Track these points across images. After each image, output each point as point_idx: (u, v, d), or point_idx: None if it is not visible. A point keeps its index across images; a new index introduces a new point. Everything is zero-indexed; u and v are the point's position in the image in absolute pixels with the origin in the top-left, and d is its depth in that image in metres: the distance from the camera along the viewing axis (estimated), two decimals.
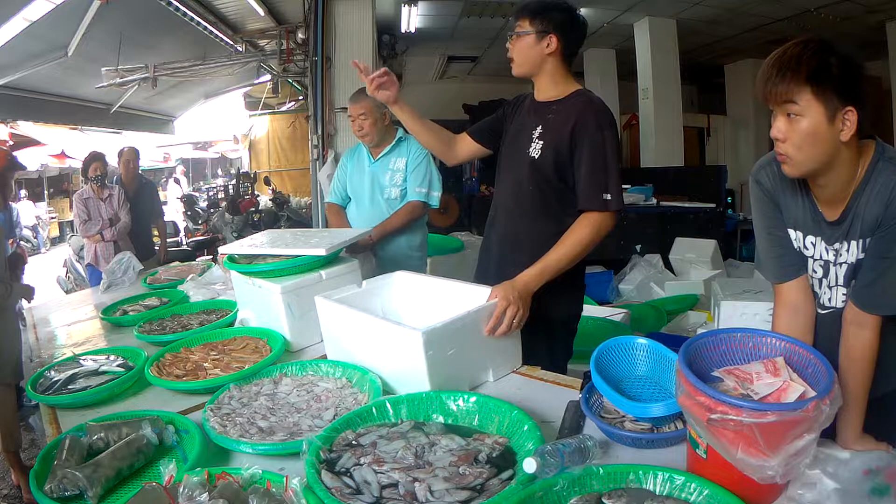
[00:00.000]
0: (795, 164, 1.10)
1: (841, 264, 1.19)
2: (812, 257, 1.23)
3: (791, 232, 1.25)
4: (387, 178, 2.67)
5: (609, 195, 1.67)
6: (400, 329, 1.41)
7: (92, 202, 4.35)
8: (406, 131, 2.46)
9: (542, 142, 1.78)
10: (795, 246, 1.25)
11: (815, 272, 1.24)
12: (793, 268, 1.25)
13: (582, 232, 1.68)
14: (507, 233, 1.89)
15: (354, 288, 1.76)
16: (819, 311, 1.26)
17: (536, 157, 1.78)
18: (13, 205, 5.03)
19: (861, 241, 1.15)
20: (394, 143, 2.69)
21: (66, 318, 2.57)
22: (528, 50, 1.77)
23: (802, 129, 1.06)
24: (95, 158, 4.46)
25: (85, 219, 4.33)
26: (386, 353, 1.46)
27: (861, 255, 1.15)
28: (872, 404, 1.16)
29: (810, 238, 1.22)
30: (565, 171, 1.74)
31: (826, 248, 1.20)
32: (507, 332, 1.51)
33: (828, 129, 1.05)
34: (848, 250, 1.17)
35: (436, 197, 2.66)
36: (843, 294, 1.21)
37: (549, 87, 1.82)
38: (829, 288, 1.23)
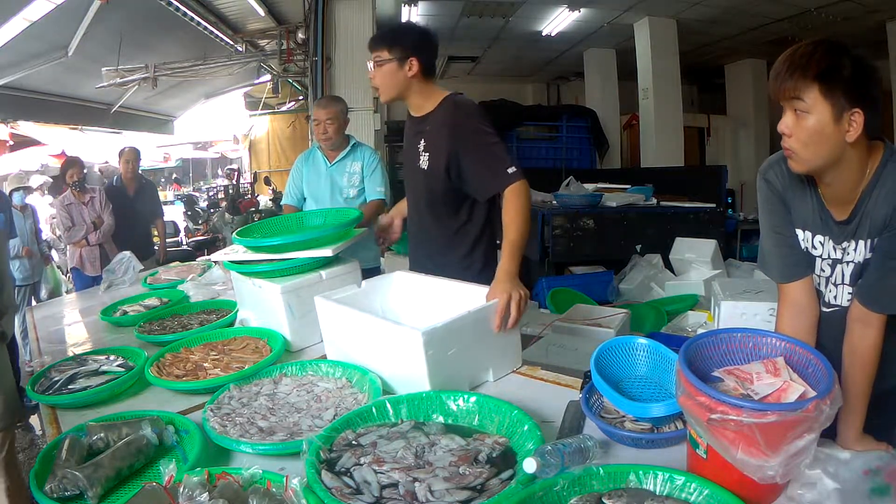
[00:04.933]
0: (800, 160, 1.11)
1: (848, 263, 1.19)
2: (820, 256, 1.23)
3: (799, 232, 1.25)
4: (345, 180, 2.99)
5: (511, 168, 1.78)
6: (400, 329, 1.41)
7: (74, 208, 4.32)
8: (358, 140, 3.04)
9: (427, 153, 1.93)
10: (803, 246, 1.25)
11: (823, 271, 1.24)
12: (798, 267, 1.26)
13: (515, 206, 1.76)
14: (419, 233, 2.09)
15: (354, 288, 1.76)
16: (824, 309, 1.26)
17: (426, 167, 1.93)
18: (32, 205, 5.01)
19: (869, 241, 1.15)
20: (349, 148, 3.01)
21: (66, 318, 2.57)
22: (392, 77, 1.88)
23: (808, 126, 1.07)
24: (72, 164, 4.43)
25: (69, 225, 4.30)
26: (386, 353, 1.46)
27: (868, 255, 1.16)
28: (872, 402, 1.16)
29: (818, 237, 1.22)
30: (453, 173, 1.87)
31: (834, 247, 1.20)
32: (518, 318, 1.55)
33: (833, 129, 1.06)
34: (856, 249, 1.17)
35: (389, 194, 3.06)
36: (849, 293, 1.21)
37: (422, 103, 1.95)
38: (835, 286, 1.23)
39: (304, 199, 3.07)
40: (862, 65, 1.05)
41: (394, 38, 1.88)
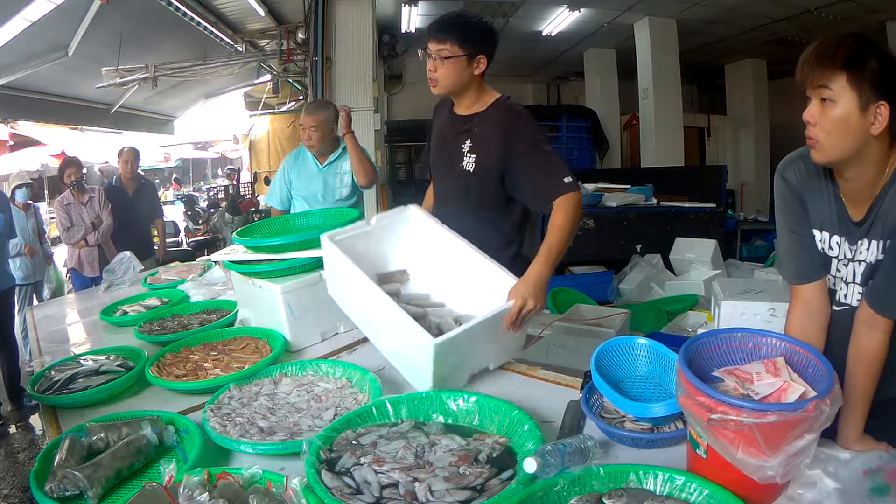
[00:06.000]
0: (823, 149, 1.10)
1: (860, 262, 1.18)
2: (836, 257, 1.22)
3: (816, 233, 1.24)
4: (336, 182, 3.00)
5: (568, 178, 1.74)
6: (412, 329, 1.38)
7: (73, 208, 4.30)
8: None
9: (473, 155, 1.84)
10: (819, 247, 1.24)
11: (839, 271, 1.23)
12: (812, 269, 1.24)
13: (564, 213, 1.72)
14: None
15: (364, 226, 1.71)
16: (833, 307, 1.25)
17: (472, 170, 1.84)
18: (35, 204, 5.00)
19: (882, 242, 1.14)
20: (339, 151, 3.00)
21: (67, 319, 2.57)
22: (459, 73, 1.79)
23: (834, 114, 1.06)
24: (70, 164, 4.42)
25: (67, 226, 4.28)
26: (392, 336, 1.47)
27: (880, 256, 1.15)
28: (875, 407, 1.16)
29: (835, 238, 1.21)
30: (504, 176, 1.82)
31: (850, 247, 1.19)
32: (520, 327, 1.56)
33: (859, 119, 1.05)
34: (868, 249, 1.16)
35: (385, 174, 3.17)
36: (859, 292, 1.20)
37: (473, 102, 1.87)
38: (846, 284, 1.22)
39: (291, 199, 3.06)
40: (889, 59, 1.05)
41: (464, 32, 1.77)
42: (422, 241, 1.78)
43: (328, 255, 1.61)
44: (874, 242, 1.15)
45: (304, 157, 3.05)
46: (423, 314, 1.57)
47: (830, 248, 1.23)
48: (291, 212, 3.03)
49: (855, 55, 1.04)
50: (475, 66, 1.79)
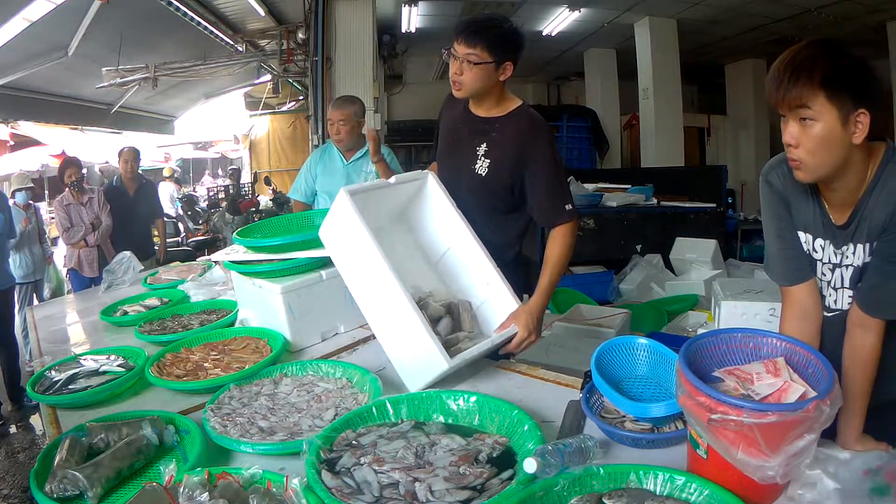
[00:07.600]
0: (809, 169, 1.08)
1: (847, 266, 1.18)
2: (821, 261, 1.22)
3: (801, 234, 1.23)
4: (361, 178, 2.99)
5: (569, 205, 1.79)
6: (431, 344, 1.39)
7: (73, 208, 4.30)
8: None
9: (488, 160, 1.82)
10: (805, 249, 1.23)
11: (825, 275, 1.23)
12: (801, 271, 1.24)
13: (562, 245, 1.78)
14: None
15: (385, 182, 1.74)
16: (825, 313, 1.25)
17: (484, 174, 1.82)
18: (36, 204, 5.00)
19: (868, 245, 1.13)
20: (365, 149, 2.98)
21: (66, 319, 2.57)
22: (485, 78, 1.75)
23: (816, 134, 1.04)
24: (69, 164, 4.42)
25: (67, 226, 4.28)
26: (396, 329, 1.48)
27: (867, 259, 1.14)
28: (874, 410, 1.16)
29: (819, 241, 1.21)
30: (514, 185, 1.81)
31: (834, 251, 1.19)
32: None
33: (841, 133, 1.03)
34: (854, 253, 1.16)
35: None
36: (849, 296, 1.20)
37: (493, 106, 1.84)
38: (835, 289, 1.22)
39: (315, 194, 3.08)
40: (860, 63, 1.03)
41: (495, 38, 1.74)
42: (436, 216, 1.82)
43: (344, 214, 1.56)
44: (860, 246, 1.15)
45: (331, 153, 3.07)
46: (424, 304, 1.61)
47: (814, 250, 1.22)
48: (315, 207, 3.06)
49: (832, 71, 1.01)
50: (501, 72, 1.77)
